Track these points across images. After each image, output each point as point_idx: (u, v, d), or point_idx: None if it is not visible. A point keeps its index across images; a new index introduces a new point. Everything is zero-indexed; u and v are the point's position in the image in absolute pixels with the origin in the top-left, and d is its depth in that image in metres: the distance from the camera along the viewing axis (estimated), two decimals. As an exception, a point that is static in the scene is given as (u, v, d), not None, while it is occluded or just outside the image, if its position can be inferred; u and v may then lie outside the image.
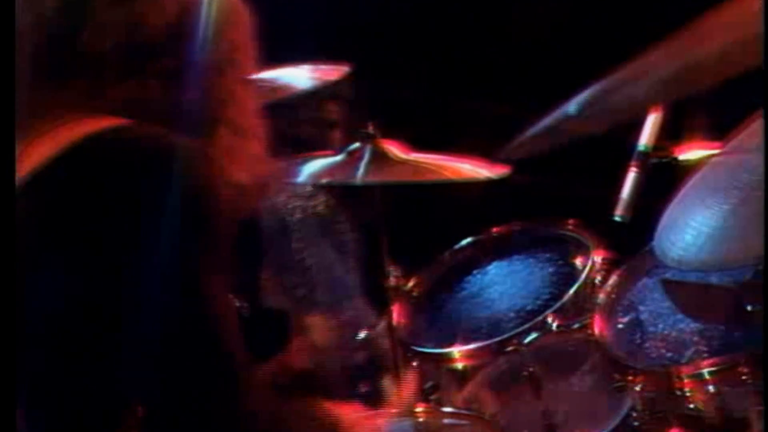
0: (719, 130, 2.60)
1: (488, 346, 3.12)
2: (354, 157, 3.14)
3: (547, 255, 3.36)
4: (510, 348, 3.07)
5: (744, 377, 2.53)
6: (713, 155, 2.59)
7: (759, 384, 2.49)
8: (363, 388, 3.28)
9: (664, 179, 2.71)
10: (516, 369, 3.09)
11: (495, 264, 3.44)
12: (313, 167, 3.19)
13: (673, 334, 2.78)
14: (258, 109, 1.92)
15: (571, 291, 3.11)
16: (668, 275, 2.86)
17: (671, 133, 2.89)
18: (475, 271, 3.44)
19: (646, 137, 2.85)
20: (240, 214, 1.82)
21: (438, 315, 3.36)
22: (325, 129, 3.79)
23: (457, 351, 3.15)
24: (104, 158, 1.73)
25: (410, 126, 3.33)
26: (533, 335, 3.05)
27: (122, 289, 1.67)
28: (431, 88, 4.36)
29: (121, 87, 1.80)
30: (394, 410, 2.93)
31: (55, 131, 1.76)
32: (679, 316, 2.80)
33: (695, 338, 2.72)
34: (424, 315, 3.38)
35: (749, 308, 2.55)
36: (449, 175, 3.03)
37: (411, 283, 3.42)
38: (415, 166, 3.11)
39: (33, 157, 1.75)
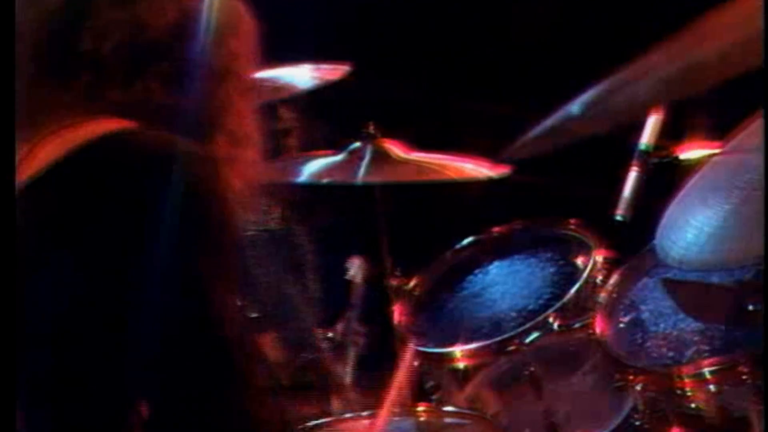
0: (719, 130, 2.60)
1: (489, 345, 3.11)
2: (355, 157, 3.15)
3: (549, 254, 3.35)
4: (511, 348, 3.07)
5: (744, 377, 2.53)
6: (714, 155, 2.59)
7: (759, 383, 2.49)
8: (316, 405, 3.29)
9: (665, 179, 2.72)
10: (517, 369, 3.08)
11: (496, 264, 3.43)
12: (313, 167, 3.19)
13: (674, 333, 2.78)
14: (255, 117, 1.92)
15: (573, 291, 3.11)
16: (669, 275, 2.86)
17: (672, 132, 2.89)
18: (476, 271, 3.44)
19: (647, 137, 2.86)
20: (239, 219, 1.83)
21: (439, 315, 3.36)
22: (279, 136, 3.75)
23: (458, 351, 3.14)
24: (110, 160, 1.74)
25: (411, 126, 3.34)
26: (534, 335, 3.05)
27: (126, 291, 1.68)
28: (433, 87, 4.37)
29: (122, 89, 1.80)
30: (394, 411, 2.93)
31: (60, 133, 1.77)
32: (680, 315, 2.79)
33: (696, 338, 2.72)
34: (426, 315, 3.37)
35: (750, 308, 2.55)
36: (451, 175, 3.04)
37: (412, 283, 3.42)
38: (417, 166, 3.12)
39: (39, 158, 1.75)
